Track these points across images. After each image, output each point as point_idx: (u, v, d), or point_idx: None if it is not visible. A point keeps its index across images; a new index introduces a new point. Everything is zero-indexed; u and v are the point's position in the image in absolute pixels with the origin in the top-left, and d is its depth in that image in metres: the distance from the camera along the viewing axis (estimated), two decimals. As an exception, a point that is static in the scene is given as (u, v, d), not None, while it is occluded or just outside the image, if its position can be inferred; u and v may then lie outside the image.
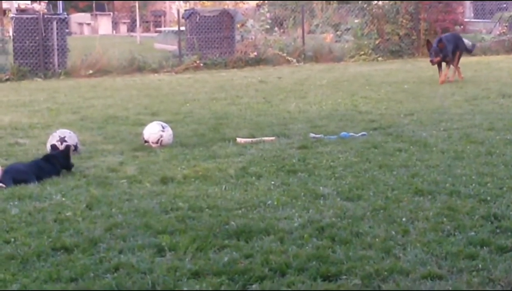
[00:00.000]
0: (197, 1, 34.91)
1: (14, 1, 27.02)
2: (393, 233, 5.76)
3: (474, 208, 6.35)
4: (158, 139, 9.57)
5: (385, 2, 23.90)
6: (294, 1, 28.99)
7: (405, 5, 23.56)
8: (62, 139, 9.11)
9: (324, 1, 30.24)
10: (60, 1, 32.29)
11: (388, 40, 23.49)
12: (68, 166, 8.20)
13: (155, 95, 15.71)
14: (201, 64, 22.03)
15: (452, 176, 7.51)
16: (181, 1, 37.84)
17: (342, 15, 27.94)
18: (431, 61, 15.93)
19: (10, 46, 21.83)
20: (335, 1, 30.12)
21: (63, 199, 7.05)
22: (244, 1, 34.18)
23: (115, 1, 48.86)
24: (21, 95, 16.40)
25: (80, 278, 5.01)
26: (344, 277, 4.93)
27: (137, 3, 38.90)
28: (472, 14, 30.62)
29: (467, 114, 11.48)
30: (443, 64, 16.10)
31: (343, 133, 9.98)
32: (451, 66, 16.30)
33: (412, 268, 5.04)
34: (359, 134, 9.93)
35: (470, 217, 6.11)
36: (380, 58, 23.04)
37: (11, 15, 23.47)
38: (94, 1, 46.85)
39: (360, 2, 25.24)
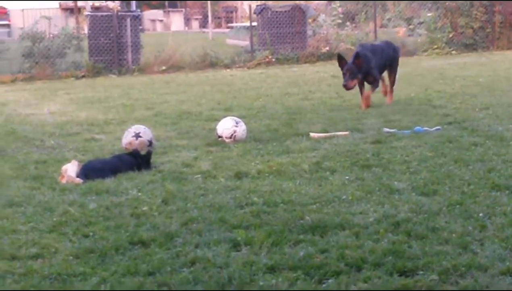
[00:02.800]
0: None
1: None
2: (470, 228, 5.69)
3: (553, 203, 6.25)
4: (232, 135, 9.61)
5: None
6: (366, -5, 28.81)
7: (480, -2, 23.19)
8: (137, 135, 9.21)
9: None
10: (134, -1, 32.62)
11: (462, 34, 23.18)
12: (148, 167, 8.24)
13: (228, 90, 15.78)
14: (273, 59, 22.05)
15: (530, 170, 7.40)
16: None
17: (414, 8, 27.66)
18: (345, 86, 12.05)
19: (85, 44, 22.14)
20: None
21: (139, 193, 7.13)
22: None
23: (187, -2, 49.16)
24: (96, 91, 16.63)
25: (157, 271, 5.06)
26: (421, 272, 4.89)
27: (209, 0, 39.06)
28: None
29: (545, 107, 11.29)
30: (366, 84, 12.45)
31: (417, 127, 9.89)
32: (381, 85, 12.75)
33: (490, 264, 4.97)
34: (434, 128, 9.84)
35: (549, 212, 6.02)
36: (453, 52, 22.77)
37: (86, 13, 23.79)
38: (166, -2, 47.21)
39: (433, -5, 24.96)
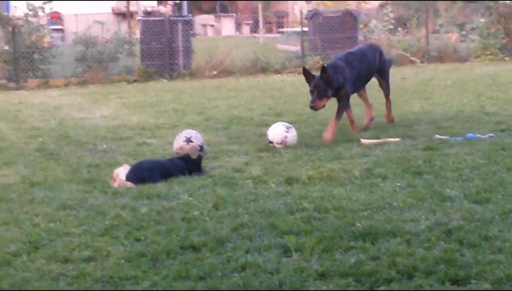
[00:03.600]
0: (320, 1, 34.92)
1: (141, 4, 27.59)
2: (524, 237, 5.63)
3: None
4: (283, 140, 9.61)
5: (513, -1, 23.35)
6: (418, 1, 28.65)
7: (534, 3, 22.94)
8: (188, 140, 9.25)
9: (448, 0, 29.78)
10: (185, 3, 32.78)
11: (516, 40, 22.94)
12: (199, 172, 8.27)
13: (279, 96, 15.80)
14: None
15: None
16: (304, 2, 37.90)
17: (467, 14, 27.48)
18: (312, 107, 10.07)
19: (137, 48, 22.34)
20: (460, 0, 29.63)
21: (190, 198, 7.16)
22: (367, 1, 33.98)
23: (238, 2, 49.32)
24: (148, 96, 16.76)
25: (208, 276, 5.07)
26: (474, 281, 4.83)
27: (260, 4, 39.16)
28: None
29: None
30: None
31: (469, 134, 9.80)
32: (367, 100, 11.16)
33: (545, 274, 4.91)
34: (486, 136, 9.74)
35: None
36: (507, 58, 22.53)
37: (138, 18, 24.02)
38: (218, 1, 47.40)
39: (486, 1, 24.72)
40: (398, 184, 7.39)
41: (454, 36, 25.58)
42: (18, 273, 5.27)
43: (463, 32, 25.83)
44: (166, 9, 23.56)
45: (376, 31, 24.04)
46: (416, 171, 7.92)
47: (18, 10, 22.81)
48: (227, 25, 45.52)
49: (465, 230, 5.83)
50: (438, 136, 9.84)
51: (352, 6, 27.79)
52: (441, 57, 22.98)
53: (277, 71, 21.69)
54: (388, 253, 5.37)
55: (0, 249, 5.81)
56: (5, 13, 22.58)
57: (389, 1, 32.78)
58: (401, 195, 6.98)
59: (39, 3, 21.82)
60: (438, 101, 13.54)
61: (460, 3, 30.46)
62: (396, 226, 5.96)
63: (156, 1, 42.01)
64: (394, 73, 19.76)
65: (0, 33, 21.40)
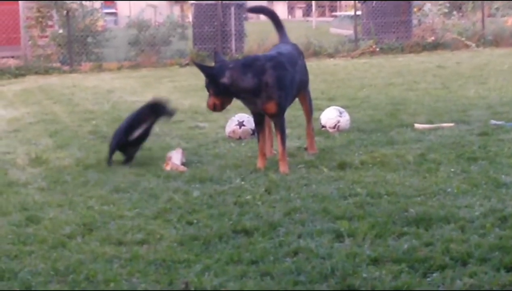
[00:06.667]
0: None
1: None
2: None
3: None
4: (336, 125, 9.59)
5: None
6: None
7: None
8: (241, 124, 9.28)
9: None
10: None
11: None
12: None
13: (331, 80, 15.75)
14: (377, 49, 21.89)
15: None
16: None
17: (525, -4, 27.03)
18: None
19: (189, 32, 22.40)
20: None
21: (242, 182, 7.19)
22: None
23: (291, -14, 49.21)
24: (200, 79, 16.57)
25: (260, 260, 5.09)
26: (530, 269, 4.80)
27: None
28: None
29: None
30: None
31: (526, 120, 9.71)
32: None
33: None
34: (544, 121, 9.64)
35: None
36: None
37: (190, 1, 24.07)
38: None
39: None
40: (452, 170, 7.33)
41: (510, 20, 25.23)
42: (73, 254, 5.34)
43: (521, 16, 25.48)
44: (219, -8, 23.53)
45: (431, 14, 23.80)
46: (471, 156, 7.85)
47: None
48: (280, 9, 45.45)
49: (521, 217, 5.78)
50: (493, 121, 9.73)
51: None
52: (497, 41, 22.67)
53: (330, 55, 21.60)
54: (442, 239, 5.34)
55: (55, 231, 5.90)
56: (60, -3, 22.78)
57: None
58: (455, 180, 6.93)
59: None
60: (494, 87, 13.37)
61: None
62: (450, 212, 5.92)
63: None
64: (448, 58, 19.67)
65: (55, 17, 21.60)
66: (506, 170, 7.24)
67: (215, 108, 7.76)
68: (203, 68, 7.74)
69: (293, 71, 7.91)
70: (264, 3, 46.48)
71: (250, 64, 7.71)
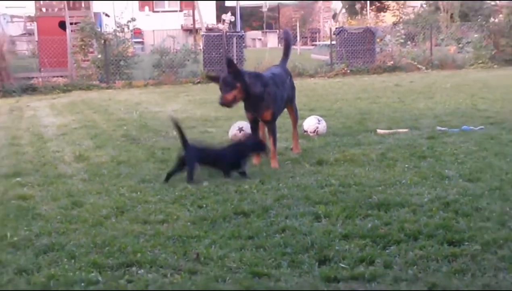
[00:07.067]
0: (345, 21, 34.62)
1: (204, 22, 27.65)
2: (507, 209, 5.54)
3: None
4: (315, 130, 9.60)
5: (501, 19, 22.96)
6: (424, 20, 28.32)
7: (518, 22, 22.55)
8: (241, 129, 9.26)
9: (449, 20, 29.39)
10: (239, 21, 32.78)
11: (503, 51, 22.59)
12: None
13: (312, 95, 15.74)
14: (348, 71, 21.90)
15: (558, 163, 7.17)
16: (333, 21, 37.65)
17: (464, 31, 27.08)
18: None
19: (200, 57, 22.38)
20: (458, 20, 29.21)
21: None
22: (383, 21, 33.67)
23: (280, 20, 49.12)
24: (209, 94, 16.79)
25: (255, 236, 5.08)
26: (466, 243, 4.78)
27: (298, 22, 39.00)
28: None
29: None
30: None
31: (464, 127, 9.70)
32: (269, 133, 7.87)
33: (523, 238, 4.85)
34: (478, 128, 9.62)
35: None
36: (495, 66, 22.20)
37: (201, 33, 24.06)
38: (264, 20, 47.31)
39: (479, 20, 24.38)
40: (406, 165, 7.33)
41: (452, 49, 25.26)
42: (108, 231, 5.34)
43: (460, 45, 25.46)
44: (224, 26, 23.51)
45: (390, 44, 23.82)
46: (421, 155, 7.86)
47: (108, 26, 23.02)
48: (272, 39, 45.39)
49: (460, 202, 5.78)
50: (439, 128, 9.75)
51: (371, 24, 27.52)
52: (442, 65, 22.71)
53: (311, 76, 21.60)
54: (398, 220, 5.34)
55: (94, 213, 5.89)
56: (99, 29, 22.77)
57: (401, 20, 32.47)
58: (408, 174, 6.93)
59: (125, 21, 21.97)
60: (439, 100, 13.39)
61: (458, 22, 30.03)
62: (404, 199, 5.93)
63: (215, 20, 42.01)
64: (404, 78, 19.69)
65: (95, 45, 21.59)
66: (449, 166, 7.25)
67: (228, 103, 7.57)
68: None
69: (282, 89, 7.91)
70: (259, 34, 46.51)
71: (259, 76, 7.72)
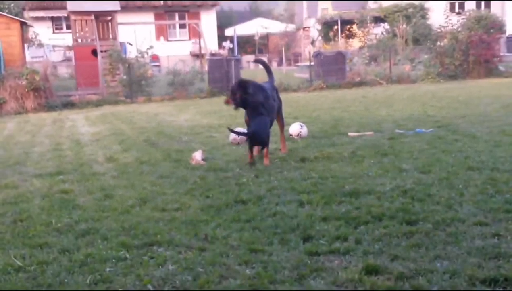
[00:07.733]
0: (320, 45, 34.63)
1: (208, 48, 27.64)
2: (453, 194, 5.56)
3: (509, 179, 6.05)
4: (298, 133, 9.59)
5: (446, 43, 23.04)
6: (384, 44, 28.39)
7: (459, 45, 22.56)
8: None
9: (404, 44, 29.47)
10: (236, 47, 32.77)
11: (447, 68, 22.58)
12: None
13: (295, 106, 15.71)
14: (324, 86, 21.85)
15: (493, 157, 7.16)
16: (311, 46, 37.67)
17: (416, 52, 27.17)
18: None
19: (206, 77, 22.34)
20: (411, 44, 29.28)
21: (240, 171, 7.17)
22: (352, 45, 33.73)
23: (269, 45, 49.11)
24: (213, 106, 16.78)
25: (252, 220, 5.09)
26: (421, 223, 4.80)
27: (283, 47, 39.01)
28: (506, 50, 29.00)
29: (503, 116, 10.92)
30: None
31: (418, 129, 9.70)
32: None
33: (466, 218, 4.86)
34: (429, 130, 9.63)
35: (506, 185, 5.82)
36: (442, 81, 22.17)
37: (206, 57, 24.02)
38: (257, 46, 47.30)
39: (428, 44, 24.45)
40: (372, 161, 7.34)
41: (407, 67, 25.27)
42: (134, 218, 5.34)
43: (413, 64, 25.50)
44: (224, 51, 23.50)
45: (357, 64, 23.83)
46: (384, 153, 7.86)
47: (131, 53, 22.93)
48: (263, 61, 45.39)
49: (415, 190, 5.79)
50: (397, 130, 9.75)
51: (342, 48, 27.54)
52: (399, 80, 22.68)
53: (295, 90, 21.53)
54: (366, 205, 5.35)
55: (122, 203, 5.88)
56: (124, 55, 22.72)
57: (366, 44, 32.53)
58: (374, 168, 6.94)
59: (145, 49, 21.93)
60: (397, 108, 13.38)
61: (411, 46, 30.09)
62: (371, 188, 5.94)
63: (217, 46, 41.99)
64: (369, 91, 19.68)
65: (121, 68, 21.54)
66: (406, 161, 7.25)
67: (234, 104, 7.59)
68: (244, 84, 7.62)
69: (272, 101, 7.99)
70: (252, 57, 46.45)
71: (262, 88, 7.79)
